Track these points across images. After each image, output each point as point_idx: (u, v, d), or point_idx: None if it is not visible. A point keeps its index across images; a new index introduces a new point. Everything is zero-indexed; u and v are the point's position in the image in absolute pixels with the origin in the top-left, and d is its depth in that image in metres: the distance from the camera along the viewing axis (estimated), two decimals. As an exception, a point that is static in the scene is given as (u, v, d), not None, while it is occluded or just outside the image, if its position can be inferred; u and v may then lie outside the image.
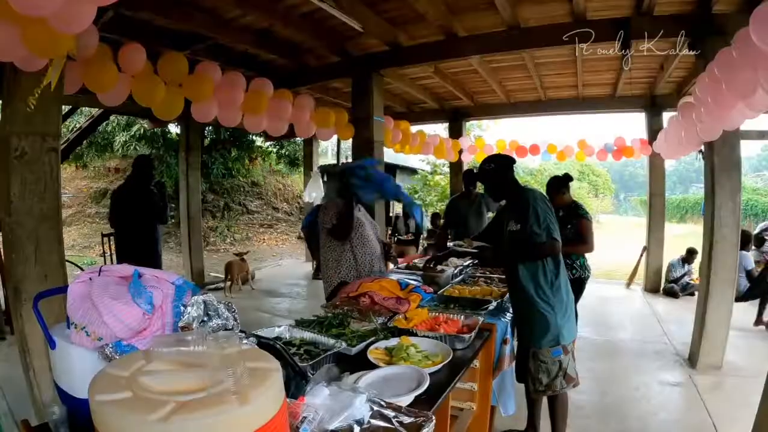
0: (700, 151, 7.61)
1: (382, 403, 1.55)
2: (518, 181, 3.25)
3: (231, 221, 15.96)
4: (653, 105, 8.51)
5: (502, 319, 3.05)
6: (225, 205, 16.47)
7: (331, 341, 2.28)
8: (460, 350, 2.35)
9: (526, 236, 3.00)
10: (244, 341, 1.65)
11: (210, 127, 14.74)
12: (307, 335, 2.39)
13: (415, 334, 2.42)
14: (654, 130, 8.25)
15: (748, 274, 7.10)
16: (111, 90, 4.09)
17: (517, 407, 3.23)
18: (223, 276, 9.74)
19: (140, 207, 5.67)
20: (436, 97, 8.94)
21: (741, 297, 7.31)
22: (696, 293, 8.13)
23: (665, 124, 7.69)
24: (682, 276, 8.42)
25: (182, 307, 1.52)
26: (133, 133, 14.28)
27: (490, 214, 6.36)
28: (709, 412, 3.96)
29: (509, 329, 3.07)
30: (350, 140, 6.51)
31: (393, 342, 2.28)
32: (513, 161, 3.35)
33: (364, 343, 2.28)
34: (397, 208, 14.88)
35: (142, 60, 4.25)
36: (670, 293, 8.38)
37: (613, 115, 9.45)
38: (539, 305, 3.01)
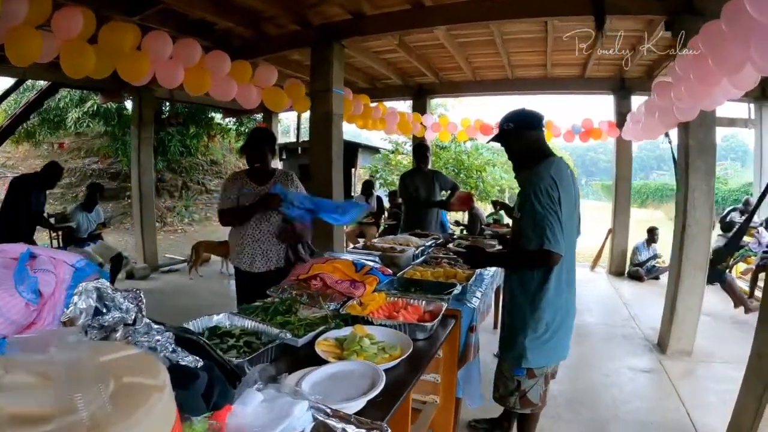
0: (666, 134, 7.56)
1: (328, 410, 1.29)
2: (541, 150, 2.63)
3: (189, 201, 15.49)
4: (622, 87, 8.35)
5: (468, 304, 2.78)
6: (183, 184, 16.01)
7: (275, 331, 2.01)
8: (422, 340, 2.10)
9: (519, 235, 2.54)
10: (157, 337, 1.37)
11: (166, 103, 14.17)
12: (249, 324, 2.11)
13: (371, 323, 2.15)
14: (622, 113, 8.11)
15: None
16: (32, 57, 3.66)
17: (484, 400, 2.98)
18: (180, 258, 9.38)
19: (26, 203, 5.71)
20: (401, 72, 8.60)
21: None
22: (660, 277, 8.15)
23: (634, 107, 7.60)
24: (648, 259, 8.40)
25: (75, 296, 1.23)
26: (86, 109, 13.64)
27: (444, 193, 6.10)
28: (681, 400, 3.85)
29: (476, 316, 2.80)
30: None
31: (345, 332, 2.02)
32: (538, 120, 2.67)
33: (313, 333, 2.01)
34: (357, 188, 14.57)
35: (76, 25, 3.78)
36: (635, 276, 8.36)
37: (581, 98, 9.32)
38: (512, 316, 2.67)
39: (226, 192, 3.41)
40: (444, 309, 2.33)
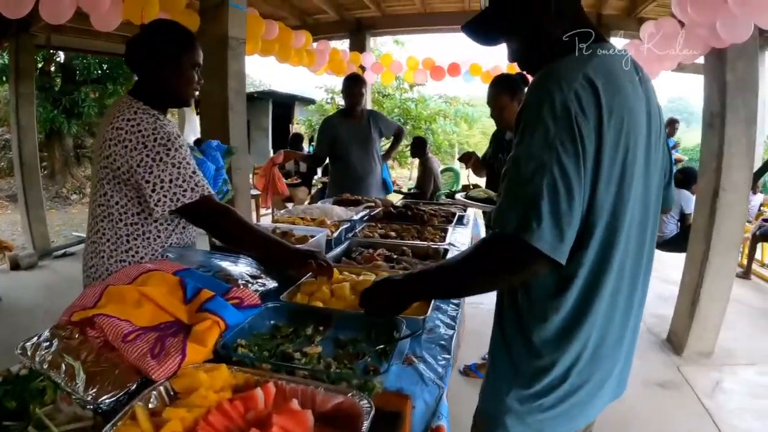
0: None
1: None
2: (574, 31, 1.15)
3: (113, 166, 13.88)
4: (600, 25, 7.11)
5: (426, 376, 1.24)
6: (107, 148, 14.35)
7: None
8: None
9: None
10: None
11: (80, 60, 12.40)
12: None
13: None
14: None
15: (683, 219, 5.90)
16: None
17: None
18: (83, 235, 7.84)
19: None
20: (336, 5, 7.18)
21: (663, 244, 6.22)
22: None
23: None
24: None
25: None
26: (-24, 70, 11.75)
27: (386, 143, 4.68)
28: (721, 432, 2.79)
29: (442, 406, 1.18)
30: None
31: None
32: None
33: None
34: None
35: None
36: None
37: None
38: (496, 330, 1.32)
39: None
40: (364, 409, 0.94)
